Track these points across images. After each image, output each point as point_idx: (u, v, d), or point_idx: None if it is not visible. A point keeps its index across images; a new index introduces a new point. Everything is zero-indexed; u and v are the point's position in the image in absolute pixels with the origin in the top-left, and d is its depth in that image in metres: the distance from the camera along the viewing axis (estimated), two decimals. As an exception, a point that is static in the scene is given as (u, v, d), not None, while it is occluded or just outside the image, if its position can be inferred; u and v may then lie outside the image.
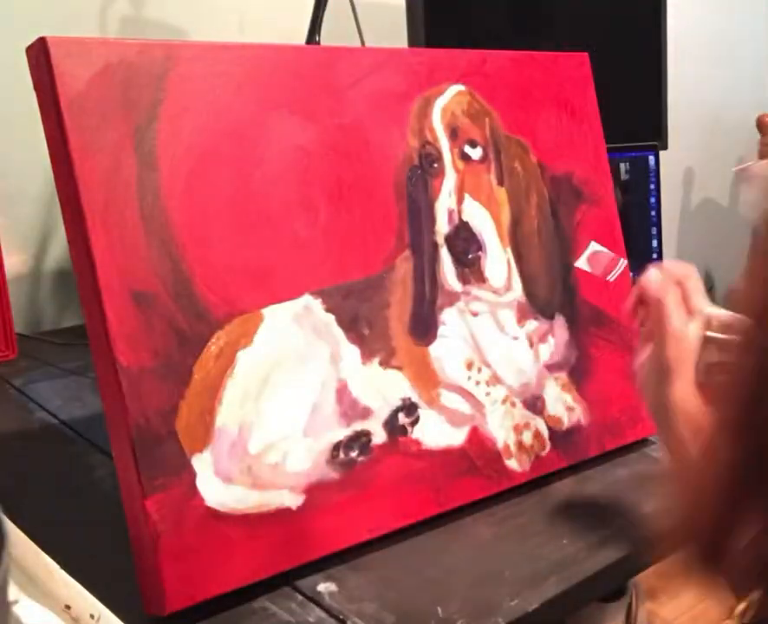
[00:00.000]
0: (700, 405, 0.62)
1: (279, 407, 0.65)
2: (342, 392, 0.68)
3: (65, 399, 0.95)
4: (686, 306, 0.64)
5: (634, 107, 1.36)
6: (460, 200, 0.77)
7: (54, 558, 0.56)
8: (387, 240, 0.72)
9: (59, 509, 0.74)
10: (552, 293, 0.83)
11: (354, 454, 0.68)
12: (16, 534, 0.57)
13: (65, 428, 0.89)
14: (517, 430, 0.77)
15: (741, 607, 0.55)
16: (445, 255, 0.76)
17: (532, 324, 0.81)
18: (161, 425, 0.59)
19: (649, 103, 1.40)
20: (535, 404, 0.79)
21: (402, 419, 0.71)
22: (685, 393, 0.63)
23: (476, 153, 0.79)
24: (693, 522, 0.43)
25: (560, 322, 0.83)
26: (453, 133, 0.78)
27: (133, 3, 1.23)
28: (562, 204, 0.85)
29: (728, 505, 0.42)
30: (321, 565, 0.65)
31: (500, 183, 0.80)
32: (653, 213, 1.41)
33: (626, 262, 0.83)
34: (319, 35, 1.12)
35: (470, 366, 0.76)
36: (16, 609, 0.52)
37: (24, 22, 0.93)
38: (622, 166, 1.35)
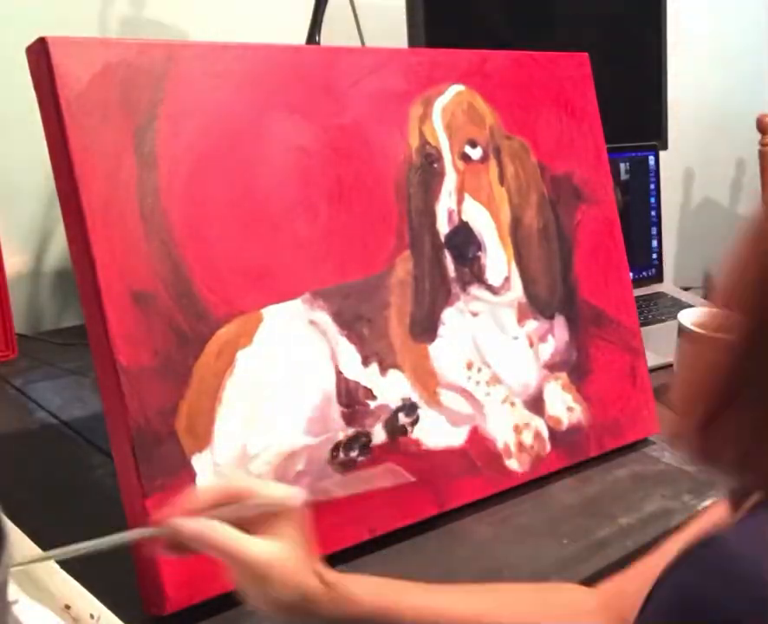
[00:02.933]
0: (363, 594, 0.52)
1: (279, 407, 0.65)
2: (342, 392, 0.68)
3: (65, 399, 0.95)
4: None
5: (634, 107, 1.36)
6: (460, 200, 0.77)
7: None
8: (387, 240, 0.72)
9: (59, 509, 0.74)
10: (552, 293, 0.83)
11: (354, 454, 0.68)
12: (16, 534, 0.57)
13: (65, 428, 0.89)
14: (517, 430, 0.77)
15: None
16: (445, 255, 0.76)
17: (532, 324, 0.81)
18: (161, 425, 0.59)
19: (649, 103, 1.40)
20: (535, 404, 0.79)
21: (402, 419, 0.71)
22: (340, 603, 0.51)
23: (476, 153, 0.79)
24: (690, 404, 0.43)
25: (560, 322, 0.83)
26: (453, 134, 0.78)
27: (133, 3, 1.22)
28: (562, 204, 0.84)
29: (718, 394, 0.41)
30: (321, 565, 0.65)
31: (500, 183, 0.80)
32: (653, 213, 1.41)
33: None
34: (319, 35, 1.12)
35: (470, 366, 0.76)
36: (16, 609, 0.52)
37: (24, 22, 0.93)
38: (622, 166, 1.35)
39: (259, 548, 0.48)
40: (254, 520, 0.49)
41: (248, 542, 0.48)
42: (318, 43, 1.11)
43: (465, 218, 0.77)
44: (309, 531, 0.51)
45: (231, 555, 0.48)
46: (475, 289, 0.77)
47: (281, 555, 0.49)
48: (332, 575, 0.52)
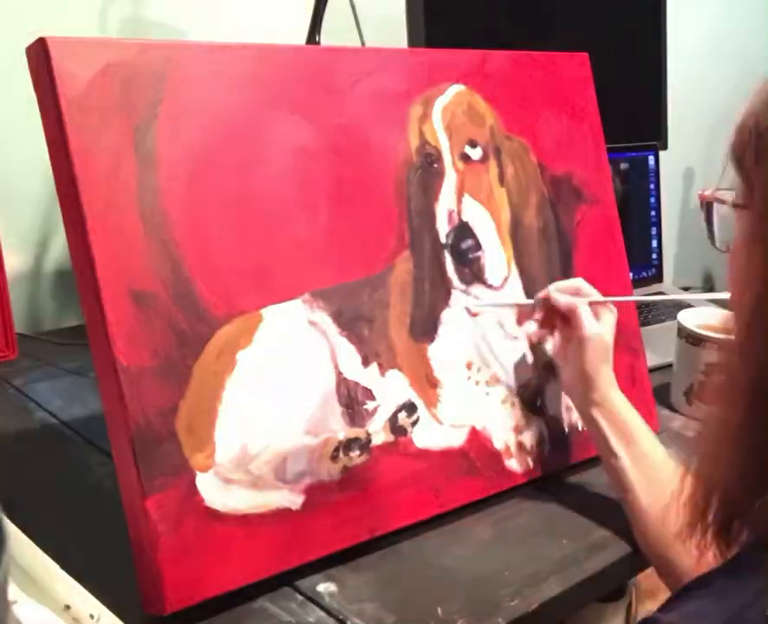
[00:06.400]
0: (622, 406, 0.72)
1: (279, 407, 0.65)
2: (342, 392, 0.68)
3: (65, 399, 0.95)
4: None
5: (634, 107, 1.36)
6: (460, 200, 0.77)
7: (54, 558, 0.56)
8: (387, 240, 0.72)
9: (59, 509, 0.74)
10: (552, 293, 0.82)
11: (354, 454, 0.68)
12: (16, 534, 0.57)
13: (65, 428, 0.89)
14: (517, 430, 0.77)
15: None
16: (445, 255, 0.76)
17: (532, 324, 0.81)
18: (161, 425, 0.59)
19: (649, 103, 1.40)
20: (535, 404, 0.79)
21: (402, 419, 0.71)
22: (607, 396, 0.72)
23: (476, 154, 0.79)
24: (713, 495, 0.46)
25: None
26: (453, 134, 0.78)
27: (133, 3, 1.22)
28: (562, 204, 0.85)
29: (743, 485, 0.44)
30: (321, 565, 0.65)
31: (500, 183, 0.80)
32: (653, 213, 1.41)
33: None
34: (319, 35, 1.12)
35: (470, 366, 0.76)
36: (16, 609, 0.52)
37: (24, 22, 0.93)
38: (622, 166, 1.35)
39: (596, 328, 0.72)
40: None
41: (593, 323, 0.72)
42: (318, 43, 1.11)
43: (464, 218, 0.77)
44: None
45: (578, 322, 0.72)
46: (475, 289, 0.77)
47: (604, 342, 0.72)
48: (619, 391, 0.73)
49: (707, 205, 0.61)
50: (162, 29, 1.25)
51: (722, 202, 0.55)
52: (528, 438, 0.78)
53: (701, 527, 0.48)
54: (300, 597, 0.63)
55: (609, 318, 0.74)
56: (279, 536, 0.63)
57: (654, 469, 0.69)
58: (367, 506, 0.67)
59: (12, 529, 0.54)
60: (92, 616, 0.53)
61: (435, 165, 0.76)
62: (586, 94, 0.88)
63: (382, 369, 0.71)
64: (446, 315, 0.75)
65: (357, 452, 0.68)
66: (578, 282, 0.76)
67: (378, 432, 0.69)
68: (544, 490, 0.78)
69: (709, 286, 2.28)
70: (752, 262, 0.45)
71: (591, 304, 0.73)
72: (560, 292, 0.75)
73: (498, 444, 0.76)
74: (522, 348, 0.80)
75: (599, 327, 0.73)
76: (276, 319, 0.66)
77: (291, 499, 0.64)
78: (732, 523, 0.47)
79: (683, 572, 0.63)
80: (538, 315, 0.76)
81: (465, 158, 0.78)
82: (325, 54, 0.73)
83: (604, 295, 0.75)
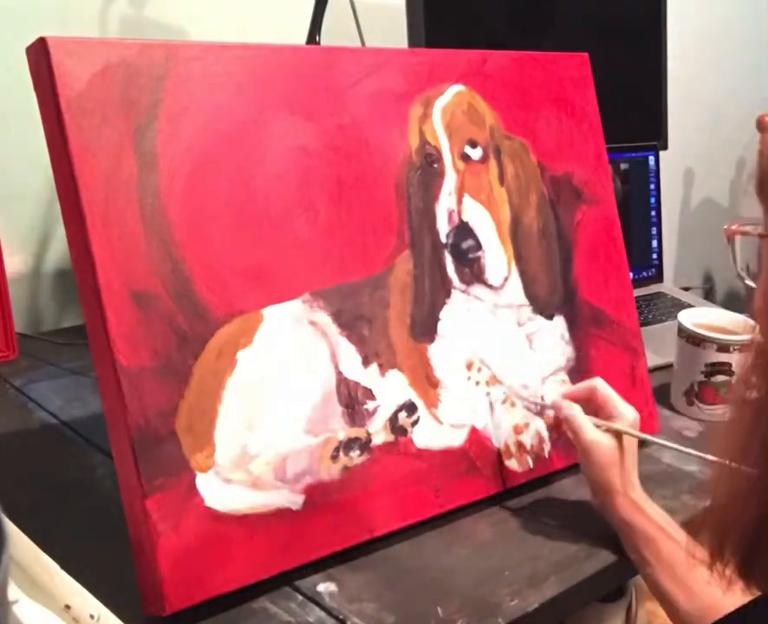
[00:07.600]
0: (641, 513, 0.68)
1: (279, 407, 0.65)
2: (342, 392, 0.68)
3: (65, 399, 0.95)
4: (602, 415, 0.72)
5: (634, 107, 1.36)
6: (460, 200, 0.77)
7: (54, 558, 0.56)
8: (387, 240, 0.72)
9: (59, 509, 0.74)
10: (552, 293, 0.83)
11: (354, 454, 0.68)
12: (16, 534, 0.57)
13: (65, 428, 0.89)
14: (517, 430, 0.77)
15: None
16: (445, 255, 0.76)
17: (532, 324, 0.81)
18: (161, 425, 0.59)
19: (649, 103, 1.40)
20: (535, 404, 0.79)
21: (402, 419, 0.71)
22: (622, 508, 0.68)
23: (476, 154, 0.79)
24: (728, 534, 0.46)
25: (560, 322, 0.83)
26: (453, 134, 0.78)
27: (133, 3, 1.22)
28: (562, 204, 0.84)
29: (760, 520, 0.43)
30: (321, 565, 0.65)
31: (500, 183, 0.80)
32: (653, 213, 1.41)
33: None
34: (319, 35, 1.12)
35: (470, 366, 0.76)
36: (16, 609, 0.52)
37: (24, 22, 0.93)
38: (622, 166, 1.35)
39: (594, 435, 0.69)
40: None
41: (591, 430, 0.70)
42: (318, 43, 1.11)
43: (465, 218, 0.77)
44: (634, 451, 0.70)
45: (576, 432, 0.70)
46: (475, 289, 0.77)
47: (607, 446, 0.69)
48: (638, 490, 0.69)
49: (731, 238, 0.61)
50: (162, 29, 1.25)
51: (746, 234, 0.54)
52: (528, 438, 0.78)
53: (719, 568, 0.47)
54: (300, 597, 0.63)
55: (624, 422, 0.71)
56: (279, 536, 0.63)
57: (684, 571, 0.65)
58: (367, 506, 0.67)
59: (12, 529, 0.53)
60: (92, 616, 0.53)
61: (435, 165, 0.76)
62: (586, 94, 0.88)
63: (382, 369, 0.70)
64: (446, 315, 0.75)
65: (357, 452, 0.68)
66: (594, 384, 0.73)
67: (378, 431, 0.69)
68: (544, 490, 0.78)
69: (709, 286, 2.28)
70: None
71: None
72: (568, 398, 0.74)
73: (498, 444, 0.76)
74: (522, 348, 0.80)
75: (598, 433, 0.70)
76: (276, 319, 0.66)
77: (291, 499, 0.64)
78: (748, 570, 0.46)
79: None
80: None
81: (466, 158, 0.78)
82: (325, 54, 0.73)
83: (603, 295, 0.74)
